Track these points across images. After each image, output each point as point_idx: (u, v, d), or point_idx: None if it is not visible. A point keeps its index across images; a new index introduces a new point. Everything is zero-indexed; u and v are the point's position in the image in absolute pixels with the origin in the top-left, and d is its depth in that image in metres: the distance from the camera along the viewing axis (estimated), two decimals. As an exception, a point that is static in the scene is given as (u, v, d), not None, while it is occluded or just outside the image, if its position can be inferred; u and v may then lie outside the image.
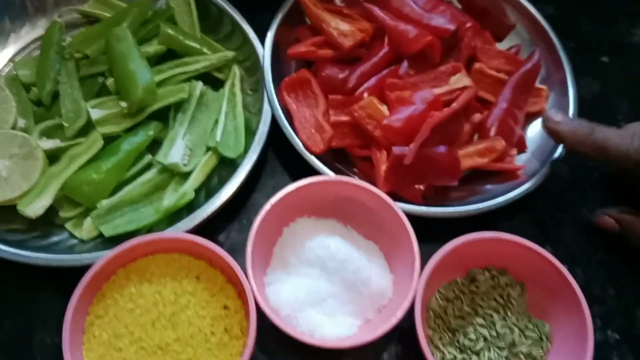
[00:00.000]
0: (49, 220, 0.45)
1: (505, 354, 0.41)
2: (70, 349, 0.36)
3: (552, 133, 0.47)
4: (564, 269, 0.41)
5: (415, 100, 0.47)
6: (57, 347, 0.36)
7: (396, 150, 0.45)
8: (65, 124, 0.47)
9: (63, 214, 0.45)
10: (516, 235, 0.43)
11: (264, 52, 0.51)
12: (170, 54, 0.53)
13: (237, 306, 0.39)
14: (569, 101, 0.54)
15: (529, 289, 0.44)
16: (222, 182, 0.47)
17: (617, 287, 0.48)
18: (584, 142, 0.45)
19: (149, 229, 0.45)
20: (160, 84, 0.50)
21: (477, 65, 0.52)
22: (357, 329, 0.41)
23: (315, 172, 0.46)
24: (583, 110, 0.53)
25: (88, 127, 0.48)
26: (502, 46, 0.57)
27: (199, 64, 0.52)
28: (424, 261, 0.41)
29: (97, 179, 0.44)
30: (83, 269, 0.39)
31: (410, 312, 0.39)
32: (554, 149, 0.50)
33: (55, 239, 0.44)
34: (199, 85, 0.50)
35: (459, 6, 0.58)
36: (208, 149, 0.49)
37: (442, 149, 0.46)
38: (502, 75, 0.52)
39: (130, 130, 0.48)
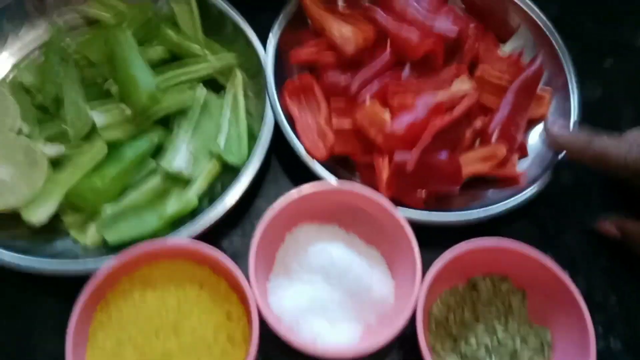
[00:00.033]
0: (53, 227, 0.45)
1: (506, 361, 0.41)
2: (73, 357, 0.36)
3: (551, 144, 0.48)
4: (565, 277, 0.42)
5: (417, 106, 0.47)
6: (60, 354, 0.37)
7: (398, 156, 0.45)
8: (69, 130, 0.47)
9: (67, 220, 0.45)
10: (517, 241, 0.43)
11: (266, 57, 0.51)
12: (172, 58, 0.53)
13: (240, 313, 0.40)
14: (571, 105, 0.53)
15: (530, 296, 0.44)
16: (225, 189, 0.46)
17: (619, 294, 0.48)
18: (583, 152, 0.45)
19: (153, 236, 0.45)
20: (164, 89, 0.49)
21: (479, 71, 0.52)
22: (359, 336, 0.41)
23: (317, 178, 0.46)
24: (586, 114, 0.53)
25: (92, 133, 0.48)
26: (505, 48, 0.57)
27: (201, 69, 0.52)
28: (425, 267, 0.41)
29: (101, 186, 0.44)
30: (87, 276, 0.39)
31: (412, 319, 0.39)
32: (556, 154, 0.50)
33: (59, 245, 0.45)
34: (203, 91, 0.50)
35: (462, 7, 0.58)
36: (211, 154, 0.49)
37: (443, 155, 0.46)
38: (504, 80, 0.52)
39: (134, 136, 0.48)
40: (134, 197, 0.46)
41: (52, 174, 0.46)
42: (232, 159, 0.48)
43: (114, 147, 0.47)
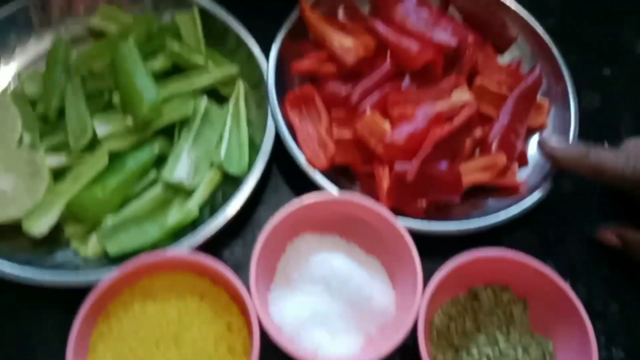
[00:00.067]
0: (54, 238, 0.45)
1: (508, 372, 0.41)
2: (74, 368, 0.36)
3: (548, 156, 0.48)
4: (566, 286, 0.42)
5: (417, 116, 0.47)
6: (61, 366, 0.37)
7: (398, 166, 0.45)
8: (71, 141, 0.48)
9: (68, 231, 0.45)
10: (518, 250, 0.43)
11: (268, 68, 0.52)
12: (175, 69, 0.53)
13: (240, 324, 0.40)
14: (570, 114, 0.54)
15: (531, 306, 0.44)
16: (226, 198, 0.47)
17: (621, 303, 0.48)
18: (580, 164, 0.46)
19: (154, 246, 0.45)
20: (165, 99, 0.50)
21: (478, 80, 0.52)
22: (360, 347, 0.41)
23: (318, 188, 0.47)
24: (585, 123, 0.53)
25: (94, 143, 0.48)
26: (503, 58, 0.58)
27: (203, 80, 0.52)
28: (425, 276, 0.41)
29: (102, 196, 0.44)
30: (88, 287, 0.39)
31: (413, 329, 0.39)
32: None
33: (60, 257, 0.45)
34: (204, 101, 0.51)
35: (461, 18, 0.58)
36: (212, 164, 0.49)
37: (443, 165, 0.46)
38: (503, 90, 0.52)
39: (135, 146, 0.48)
40: (135, 207, 0.46)
41: (53, 184, 0.46)
42: (233, 169, 0.48)
43: (115, 157, 0.47)
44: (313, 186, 0.47)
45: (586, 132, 0.53)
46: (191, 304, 0.40)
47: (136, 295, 0.40)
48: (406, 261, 0.42)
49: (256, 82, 0.53)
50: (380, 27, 0.51)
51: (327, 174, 0.47)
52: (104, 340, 0.38)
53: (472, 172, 0.48)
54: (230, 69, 0.53)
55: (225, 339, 0.39)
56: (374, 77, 0.50)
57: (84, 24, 0.57)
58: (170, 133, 0.50)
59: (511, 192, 0.50)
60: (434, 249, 0.44)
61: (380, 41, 0.51)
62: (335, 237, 0.46)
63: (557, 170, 0.49)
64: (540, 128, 0.54)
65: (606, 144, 0.55)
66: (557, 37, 0.58)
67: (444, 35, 0.51)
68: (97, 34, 0.56)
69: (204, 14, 0.55)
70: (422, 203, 0.46)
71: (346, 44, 0.50)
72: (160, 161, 0.48)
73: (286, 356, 0.38)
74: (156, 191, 0.47)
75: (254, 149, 0.50)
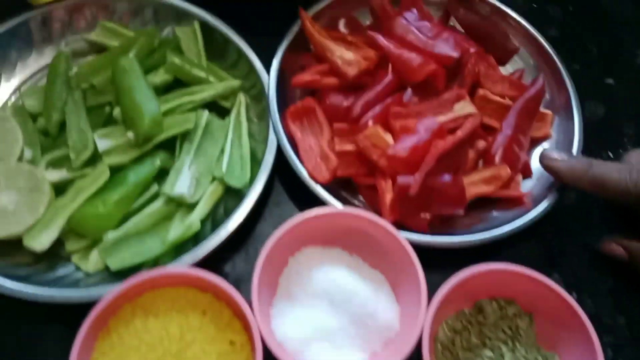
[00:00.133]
0: (55, 253, 0.45)
1: (514, 387, 0.41)
2: (75, 387, 0.36)
3: (550, 170, 0.48)
4: (571, 300, 0.41)
5: (420, 129, 0.47)
6: (62, 385, 0.36)
7: (401, 180, 0.44)
8: (72, 155, 0.47)
9: (69, 246, 0.45)
10: (523, 262, 0.43)
11: (269, 81, 0.52)
12: (176, 82, 0.53)
13: (243, 341, 0.39)
14: (574, 125, 0.53)
15: (537, 320, 0.44)
16: (228, 212, 0.46)
17: (628, 316, 0.47)
18: (582, 178, 0.45)
19: (155, 261, 0.44)
20: (166, 113, 0.50)
21: (481, 91, 0.52)
22: (365, 363, 0.41)
23: (320, 201, 0.46)
24: (588, 134, 0.53)
25: (95, 158, 0.48)
26: (505, 70, 0.58)
27: (205, 93, 0.52)
28: (430, 288, 0.41)
29: (103, 212, 0.44)
30: (89, 303, 0.38)
31: (418, 344, 0.39)
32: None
33: (60, 272, 0.44)
34: (205, 115, 0.50)
35: (462, 30, 0.58)
36: (214, 178, 0.49)
37: (447, 177, 0.45)
38: (506, 101, 0.52)
39: (136, 160, 0.48)
40: (136, 222, 0.46)
41: (54, 199, 0.46)
42: (235, 182, 0.48)
43: (116, 172, 0.47)
44: (315, 199, 0.46)
45: (590, 143, 0.53)
46: (193, 320, 0.39)
47: (137, 311, 0.39)
48: (410, 275, 0.42)
49: (257, 95, 0.53)
50: (382, 40, 0.51)
51: (329, 187, 0.47)
52: (105, 357, 0.38)
53: (475, 184, 0.48)
54: (231, 82, 0.53)
55: (227, 356, 0.38)
56: (375, 89, 0.49)
57: (84, 38, 0.57)
58: (171, 146, 0.50)
59: (515, 203, 0.49)
60: (438, 262, 0.44)
61: (381, 54, 0.51)
62: (338, 250, 0.45)
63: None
64: (544, 138, 0.54)
65: (610, 155, 0.56)
66: (559, 47, 0.58)
67: (446, 47, 0.50)
68: (98, 49, 0.57)
69: (205, 28, 0.55)
70: (426, 216, 0.46)
71: (347, 57, 0.50)
72: (161, 175, 0.48)
73: (289, 373, 0.38)
74: (157, 205, 0.47)
75: (255, 162, 0.49)
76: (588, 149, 0.52)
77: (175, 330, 0.39)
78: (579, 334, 0.41)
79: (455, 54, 0.50)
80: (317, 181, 0.47)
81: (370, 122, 0.48)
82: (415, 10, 0.54)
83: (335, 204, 0.46)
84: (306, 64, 0.53)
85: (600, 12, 0.67)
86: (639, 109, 0.60)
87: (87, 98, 0.51)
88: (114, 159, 0.47)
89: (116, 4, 0.57)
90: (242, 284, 0.46)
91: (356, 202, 0.49)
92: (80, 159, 0.47)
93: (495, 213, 0.49)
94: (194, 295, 0.40)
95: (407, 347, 0.39)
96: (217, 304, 0.40)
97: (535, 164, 0.52)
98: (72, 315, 0.39)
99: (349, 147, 0.48)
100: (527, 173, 0.51)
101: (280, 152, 0.49)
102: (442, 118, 0.48)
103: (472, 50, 0.52)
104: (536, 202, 0.48)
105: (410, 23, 0.52)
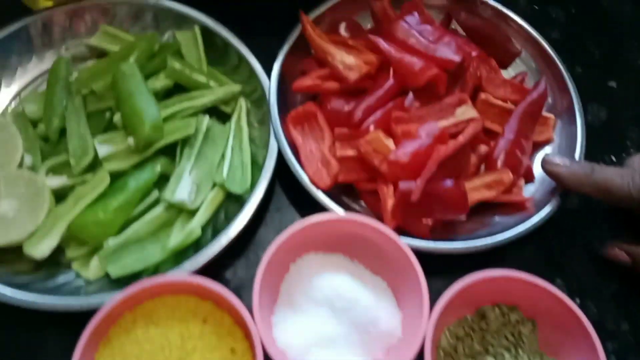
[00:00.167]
0: (55, 261, 0.45)
1: (517, 394, 0.40)
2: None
3: (552, 176, 0.47)
4: (574, 306, 0.41)
5: (421, 134, 0.46)
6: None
7: (402, 186, 0.44)
8: (72, 161, 0.47)
9: (69, 253, 0.45)
10: (525, 268, 0.42)
11: (270, 85, 0.51)
12: (176, 87, 0.53)
13: (244, 349, 0.39)
14: (576, 129, 0.53)
15: (540, 326, 0.43)
16: (229, 218, 0.46)
17: (632, 321, 0.47)
18: (585, 183, 0.45)
19: (156, 267, 0.44)
20: (167, 119, 0.49)
21: (482, 95, 0.52)
22: (366, 371, 0.40)
23: (321, 206, 0.46)
24: (591, 138, 0.53)
25: (95, 164, 0.48)
26: (507, 73, 0.57)
27: (205, 99, 0.51)
28: (432, 293, 0.40)
29: (104, 218, 0.44)
30: (89, 311, 0.38)
31: (420, 351, 0.39)
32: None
33: (61, 279, 0.44)
34: (206, 120, 0.50)
35: (463, 33, 0.58)
36: (214, 184, 0.48)
37: (448, 183, 0.45)
38: (508, 105, 0.52)
39: (137, 166, 0.48)
40: (136, 228, 0.45)
41: (55, 206, 0.45)
42: (235, 188, 0.48)
43: (116, 178, 0.47)
44: (316, 205, 0.46)
45: (593, 146, 0.52)
46: (194, 328, 0.39)
47: (138, 319, 0.39)
48: (412, 281, 0.41)
49: (258, 100, 0.53)
50: (383, 44, 0.50)
51: (330, 192, 0.47)
52: (106, 366, 0.38)
53: (477, 189, 0.48)
54: (232, 87, 0.53)
55: (229, 364, 0.38)
56: (377, 94, 0.49)
57: (85, 43, 0.57)
58: (172, 152, 0.49)
59: (518, 208, 0.49)
60: (440, 267, 0.44)
61: (382, 58, 0.51)
62: (340, 256, 0.45)
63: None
64: (546, 142, 0.53)
65: (613, 158, 0.55)
66: (561, 49, 0.57)
67: (447, 51, 0.50)
68: (99, 53, 0.56)
69: (205, 32, 0.55)
70: (428, 222, 0.46)
71: (348, 61, 0.50)
72: (162, 181, 0.48)
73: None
74: (158, 212, 0.47)
75: (256, 167, 0.49)
76: (591, 153, 0.52)
77: (176, 339, 0.38)
78: (582, 340, 0.40)
79: (456, 58, 0.50)
80: (318, 187, 0.47)
81: (371, 127, 0.48)
82: (416, 14, 0.54)
83: (337, 210, 0.45)
84: (307, 68, 0.53)
85: (602, 14, 0.67)
86: (643, 112, 0.60)
87: (87, 103, 0.51)
88: (115, 165, 0.47)
89: (116, 8, 0.56)
90: (243, 290, 0.46)
91: (357, 207, 0.49)
92: (80, 165, 0.47)
93: (497, 218, 0.49)
94: (194, 303, 0.40)
95: (410, 354, 0.38)
96: (217, 312, 0.40)
97: (537, 168, 0.51)
98: (72, 323, 0.39)
99: (350, 152, 0.48)
100: (529, 177, 0.51)
101: (281, 158, 0.48)
102: (443, 123, 0.48)
103: (473, 53, 0.52)
104: (539, 207, 0.48)
105: (412, 27, 0.52)
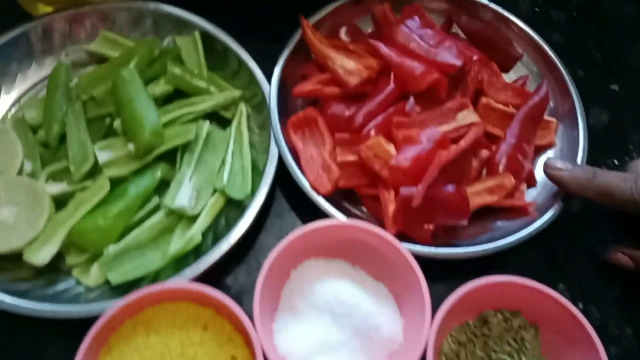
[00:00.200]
0: (55, 268, 0.44)
1: (520, 401, 0.40)
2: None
3: (554, 180, 0.47)
4: (577, 312, 0.40)
5: (422, 139, 0.46)
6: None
7: (404, 191, 0.44)
8: (72, 167, 0.47)
9: (70, 260, 0.45)
10: (528, 273, 0.42)
11: (271, 90, 0.51)
12: (177, 92, 0.53)
13: (245, 356, 0.39)
14: (578, 132, 0.53)
15: (543, 332, 0.43)
16: (230, 224, 0.46)
17: (635, 326, 0.47)
18: (587, 187, 0.45)
19: (156, 274, 0.44)
20: (167, 124, 0.49)
21: (484, 100, 0.51)
22: (368, 378, 0.40)
23: (322, 212, 0.46)
24: (593, 141, 0.53)
25: (95, 170, 0.47)
26: (508, 77, 0.57)
27: (205, 104, 0.51)
28: (434, 298, 0.40)
29: (104, 224, 0.44)
30: (90, 318, 0.38)
31: (422, 357, 0.38)
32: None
33: (61, 286, 0.44)
34: (206, 125, 0.50)
35: (464, 37, 0.58)
36: (215, 190, 0.48)
37: (450, 188, 0.45)
38: (509, 109, 0.52)
39: (137, 172, 0.48)
40: (137, 234, 0.45)
41: (55, 213, 0.45)
42: (236, 193, 0.48)
43: (116, 184, 0.47)
44: (317, 210, 0.46)
45: (595, 150, 0.52)
46: (194, 335, 0.39)
47: (138, 326, 0.39)
48: (413, 287, 0.41)
49: (258, 105, 0.52)
50: (383, 48, 0.50)
51: (331, 198, 0.47)
52: (106, 374, 0.38)
53: (479, 194, 0.48)
54: (232, 92, 0.53)
55: (229, 372, 0.38)
56: (377, 99, 0.49)
57: (85, 49, 0.56)
58: (172, 158, 0.49)
59: (520, 213, 0.49)
60: (442, 273, 0.44)
61: (383, 62, 0.50)
62: (341, 262, 0.45)
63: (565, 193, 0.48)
64: (548, 146, 0.53)
65: (615, 162, 0.55)
66: (563, 52, 0.57)
67: (448, 56, 0.50)
68: (98, 59, 0.56)
69: (205, 37, 0.55)
70: (429, 227, 0.46)
71: (349, 66, 0.50)
72: (162, 187, 0.48)
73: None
74: (158, 218, 0.46)
75: (257, 173, 0.49)
76: (593, 157, 0.51)
77: (177, 346, 0.38)
78: (585, 345, 0.40)
79: (457, 62, 0.50)
80: (319, 192, 0.47)
81: (372, 132, 0.47)
82: (417, 18, 0.54)
83: (338, 215, 0.45)
84: (307, 73, 0.53)
85: (604, 17, 0.67)
86: (645, 115, 0.59)
87: (87, 109, 0.51)
88: (115, 171, 0.47)
89: (116, 14, 0.56)
90: (243, 296, 0.46)
91: (358, 213, 0.49)
92: (80, 171, 0.47)
93: (499, 223, 0.49)
94: (195, 310, 0.40)
95: (412, 362, 0.38)
96: (218, 319, 0.40)
97: (539, 172, 0.51)
98: (72, 330, 0.38)
99: (351, 157, 0.47)
100: (531, 182, 0.51)
101: (281, 163, 0.48)
102: (445, 127, 0.48)
103: (474, 57, 0.52)
104: (541, 212, 0.48)
105: (412, 31, 0.52)
